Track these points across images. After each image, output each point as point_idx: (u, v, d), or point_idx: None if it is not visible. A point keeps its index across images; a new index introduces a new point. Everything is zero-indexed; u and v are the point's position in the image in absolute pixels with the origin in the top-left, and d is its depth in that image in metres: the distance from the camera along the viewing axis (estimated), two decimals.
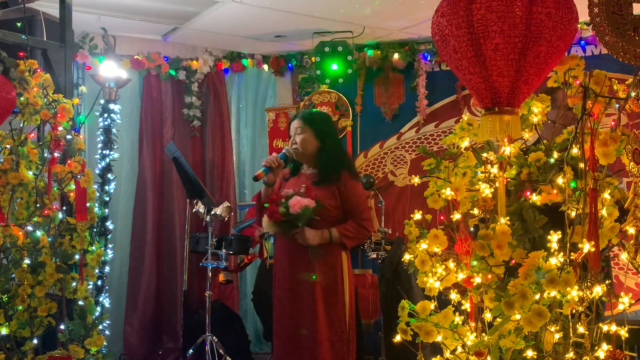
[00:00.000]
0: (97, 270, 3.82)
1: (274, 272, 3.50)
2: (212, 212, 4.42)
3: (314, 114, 3.57)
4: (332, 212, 3.30)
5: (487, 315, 2.25)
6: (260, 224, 3.55)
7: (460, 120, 2.54)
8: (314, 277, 3.25)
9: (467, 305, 2.33)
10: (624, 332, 2.25)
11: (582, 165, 2.21)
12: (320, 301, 3.26)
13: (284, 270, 3.40)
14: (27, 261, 3.34)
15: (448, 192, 2.40)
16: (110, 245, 4.55)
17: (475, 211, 2.44)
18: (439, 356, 2.38)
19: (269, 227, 3.28)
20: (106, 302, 4.44)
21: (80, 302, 3.58)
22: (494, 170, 2.42)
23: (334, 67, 5.59)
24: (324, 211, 3.25)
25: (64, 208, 3.61)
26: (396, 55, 5.58)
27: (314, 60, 5.75)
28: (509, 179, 2.43)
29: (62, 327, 3.49)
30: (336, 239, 3.28)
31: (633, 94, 2.21)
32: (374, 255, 4.58)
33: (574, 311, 2.18)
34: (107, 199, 4.58)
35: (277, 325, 3.41)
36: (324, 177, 3.34)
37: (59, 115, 3.53)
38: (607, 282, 2.21)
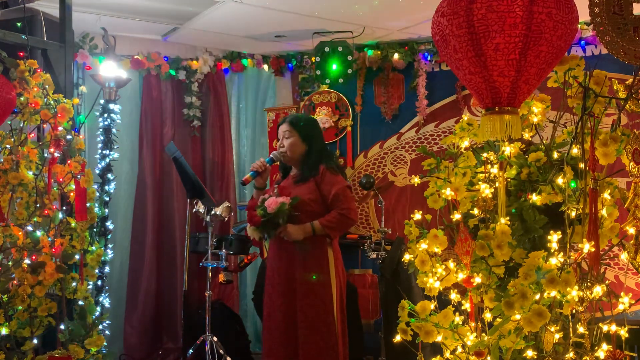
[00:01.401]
0: (97, 270, 3.83)
1: (266, 270, 3.59)
2: (212, 212, 4.42)
3: (301, 118, 3.61)
4: (311, 206, 3.38)
5: (487, 315, 2.26)
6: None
7: (460, 120, 2.54)
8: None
9: (467, 305, 2.33)
10: (624, 332, 2.25)
11: (582, 165, 2.21)
12: (307, 294, 3.34)
13: (272, 266, 3.51)
14: (27, 261, 3.34)
15: (448, 192, 2.40)
16: (110, 245, 4.55)
17: (475, 211, 2.45)
18: (439, 356, 2.38)
19: (253, 232, 3.45)
20: (106, 302, 4.44)
21: (80, 302, 3.59)
22: (494, 170, 2.42)
23: (334, 67, 5.59)
24: (304, 206, 3.35)
25: (64, 208, 3.61)
26: (396, 55, 5.58)
27: (314, 60, 5.74)
28: (509, 179, 2.43)
29: (62, 327, 3.49)
30: (319, 231, 3.36)
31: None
32: (374, 255, 4.58)
33: (574, 311, 2.18)
34: (107, 199, 4.58)
35: (267, 320, 3.48)
36: (303, 177, 3.44)
37: (59, 115, 3.53)
38: (607, 282, 2.21)
